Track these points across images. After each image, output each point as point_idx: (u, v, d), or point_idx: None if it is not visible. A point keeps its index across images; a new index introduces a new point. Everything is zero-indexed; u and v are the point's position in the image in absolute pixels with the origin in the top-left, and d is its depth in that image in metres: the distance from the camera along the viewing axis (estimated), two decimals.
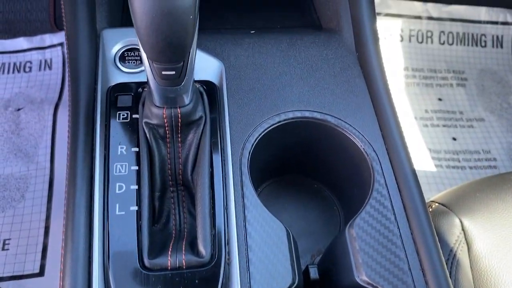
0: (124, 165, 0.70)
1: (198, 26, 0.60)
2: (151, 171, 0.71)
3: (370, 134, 0.77)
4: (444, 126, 1.82)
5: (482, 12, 2.00)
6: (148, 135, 0.72)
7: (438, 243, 0.69)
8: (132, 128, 0.74)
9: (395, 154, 0.74)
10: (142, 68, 0.82)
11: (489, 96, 1.91)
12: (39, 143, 1.65)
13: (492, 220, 0.92)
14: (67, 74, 0.81)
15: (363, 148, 0.76)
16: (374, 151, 0.75)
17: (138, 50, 0.83)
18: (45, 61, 1.87)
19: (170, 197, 0.73)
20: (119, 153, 0.71)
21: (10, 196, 1.53)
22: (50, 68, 1.86)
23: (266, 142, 0.78)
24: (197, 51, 0.71)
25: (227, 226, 0.67)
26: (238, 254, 0.66)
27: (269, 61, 0.86)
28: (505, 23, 2.01)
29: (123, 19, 0.96)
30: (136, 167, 0.70)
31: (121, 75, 0.81)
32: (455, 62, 1.97)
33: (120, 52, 0.83)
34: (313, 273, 0.74)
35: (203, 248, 0.65)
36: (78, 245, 0.64)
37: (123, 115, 0.75)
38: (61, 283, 0.63)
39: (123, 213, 0.67)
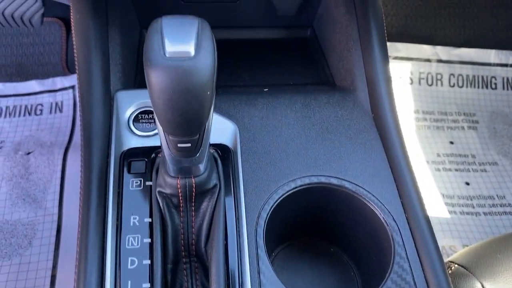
0: (136, 238, 0.68)
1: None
2: (164, 243, 0.69)
3: (389, 201, 0.75)
4: (456, 170, 1.80)
5: (491, 55, 2.00)
6: (161, 205, 0.70)
7: None
8: (145, 196, 0.72)
9: (416, 225, 0.72)
10: (156, 131, 0.81)
11: (501, 139, 1.89)
12: (48, 188, 1.64)
13: None
14: (78, 121, 0.80)
15: (383, 217, 0.74)
16: (394, 220, 0.73)
17: (152, 112, 0.83)
18: (56, 103, 1.88)
19: (182, 269, 0.71)
20: (131, 224, 0.69)
21: (17, 243, 1.51)
22: (61, 111, 1.87)
23: (282, 208, 0.76)
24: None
25: None
26: None
27: (283, 122, 0.85)
28: None
29: (136, 79, 0.96)
30: (149, 240, 0.68)
31: (134, 138, 0.80)
32: (465, 104, 1.96)
33: (134, 115, 0.83)
34: None
35: None
36: None
37: (136, 182, 0.74)
38: None
39: None
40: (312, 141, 0.83)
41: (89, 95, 0.81)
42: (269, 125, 0.84)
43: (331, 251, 0.86)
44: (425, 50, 1.98)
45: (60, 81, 1.92)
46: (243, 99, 0.88)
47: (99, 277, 0.65)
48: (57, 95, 1.90)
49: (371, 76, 0.88)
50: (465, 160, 1.83)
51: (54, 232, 1.54)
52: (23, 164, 1.68)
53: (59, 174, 1.67)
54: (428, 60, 1.97)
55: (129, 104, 0.83)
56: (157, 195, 0.70)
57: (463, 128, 1.91)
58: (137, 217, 0.70)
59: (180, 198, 0.69)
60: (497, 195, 1.74)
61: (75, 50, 0.86)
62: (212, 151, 0.78)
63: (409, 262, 0.69)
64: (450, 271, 0.97)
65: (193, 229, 0.71)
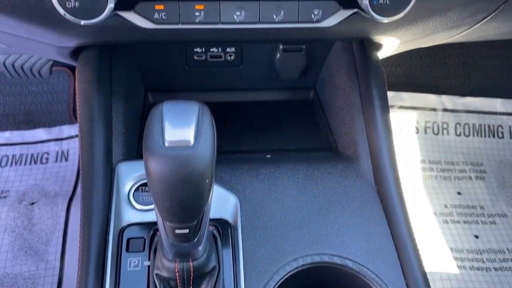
0: None
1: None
2: None
3: (394, 282, 0.73)
4: (465, 222, 1.76)
5: (497, 104, 2.00)
6: (158, 287, 0.69)
7: None
8: (143, 277, 0.71)
9: None
10: None
11: (510, 189, 1.85)
12: (51, 240, 1.63)
13: None
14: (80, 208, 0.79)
15: None
16: None
17: None
18: (62, 152, 1.89)
19: None
20: None
21: None
22: (66, 159, 1.87)
23: None
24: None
25: None
26: None
27: (285, 194, 0.84)
28: None
29: (140, 145, 0.96)
30: None
31: (134, 213, 0.79)
32: (472, 154, 1.94)
33: (135, 187, 0.82)
34: None
35: None
36: None
37: (134, 262, 0.73)
38: None
39: None
40: (314, 215, 0.81)
41: (90, 169, 0.81)
42: (271, 197, 0.83)
43: None
44: (430, 99, 1.98)
45: (67, 130, 1.93)
46: (245, 168, 0.87)
47: None
48: (63, 144, 1.91)
49: (374, 147, 0.88)
50: (473, 212, 1.79)
51: (55, 286, 1.52)
52: (26, 215, 1.68)
53: (62, 226, 1.66)
54: (434, 109, 1.97)
55: (130, 176, 0.83)
56: (155, 277, 0.69)
57: (470, 178, 1.88)
58: None
59: (178, 282, 0.68)
60: (507, 249, 1.70)
61: (78, 119, 0.87)
62: (211, 229, 0.77)
63: None
64: None
65: None
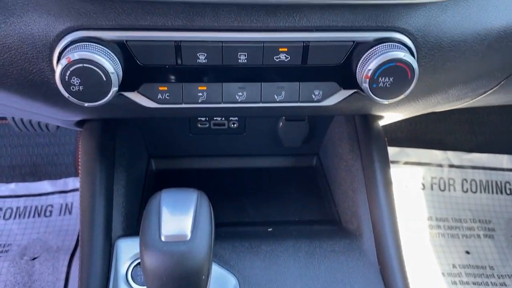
0: None
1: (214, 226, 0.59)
2: None
3: None
4: (474, 284, 1.71)
5: (504, 160, 1.98)
6: None
7: None
8: None
9: None
10: None
11: None
12: None
13: None
14: None
15: None
16: None
17: None
18: (66, 205, 1.89)
19: None
20: None
21: None
22: (70, 212, 1.87)
23: None
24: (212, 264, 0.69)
25: None
26: None
27: (287, 274, 0.82)
28: None
29: (139, 219, 0.96)
30: None
31: None
32: (480, 211, 1.91)
33: (133, 266, 0.81)
34: None
35: None
36: None
37: None
38: None
39: None
40: None
41: (89, 245, 0.80)
42: (271, 277, 0.82)
43: None
44: (436, 155, 1.97)
45: (72, 182, 1.94)
46: (245, 246, 0.86)
47: None
48: (68, 196, 1.91)
49: (377, 223, 0.86)
50: (483, 273, 1.74)
51: None
52: (27, 271, 1.66)
53: (62, 283, 1.63)
54: (440, 165, 1.96)
55: (128, 254, 0.82)
56: None
57: (479, 236, 1.84)
58: None
59: None
60: None
61: (80, 191, 0.87)
62: None
63: None
64: None
65: None
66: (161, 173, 1.09)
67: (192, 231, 0.55)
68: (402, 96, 0.75)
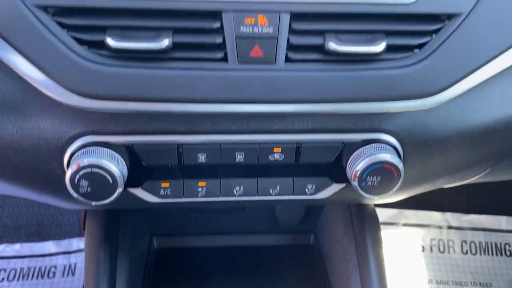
0: None
1: None
2: None
3: None
4: None
5: (503, 221, 2.00)
6: None
7: None
8: None
9: None
10: None
11: None
12: None
13: None
14: None
15: None
16: None
17: None
18: (69, 266, 1.91)
19: None
20: None
21: None
22: (73, 274, 1.89)
23: None
24: None
25: None
26: None
27: None
28: None
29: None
30: None
31: None
32: (481, 273, 1.91)
33: None
34: None
35: None
36: None
37: None
38: None
39: None
40: None
41: None
42: None
43: None
44: (435, 216, 1.99)
45: (76, 243, 1.97)
46: None
47: None
48: (72, 257, 1.93)
49: None
50: None
51: None
52: None
53: None
54: (439, 227, 1.98)
55: None
56: None
57: None
58: None
59: None
60: None
61: (83, 277, 0.90)
62: None
63: None
64: None
65: None
66: (163, 251, 1.13)
67: None
68: (390, 193, 0.79)
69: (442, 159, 0.84)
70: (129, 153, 0.76)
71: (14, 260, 1.92)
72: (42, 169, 0.78)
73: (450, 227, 1.98)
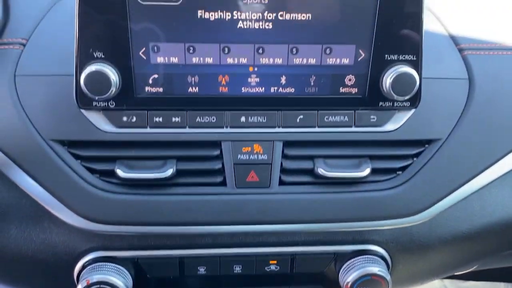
0: None
1: None
2: None
3: None
4: None
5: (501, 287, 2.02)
6: None
7: None
8: None
9: None
10: None
11: None
12: None
13: None
14: None
15: None
16: None
17: None
18: None
19: None
20: None
21: None
22: None
23: None
24: None
25: None
26: None
27: None
28: None
29: None
30: None
31: None
32: None
33: None
34: None
35: None
36: None
37: None
38: None
39: None
40: None
41: None
42: None
43: None
44: (434, 283, 2.01)
45: None
46: None
47: None
48: None
49: None
50: None
51: None
52: None
53: None
54: None
55: None
56: None
57: None
58: None
59: None
60: None
61: None
62: None
63: None
64: None
65: None
66: None
67: None
68: None
69: (429, 263, 0.89)
70: (134, 266, 0.81)
71: None
72: (54, 278, 0.83)
73: None
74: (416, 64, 0.71)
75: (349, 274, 0.81)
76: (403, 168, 0.79)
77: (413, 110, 0.76)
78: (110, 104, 0.70)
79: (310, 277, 0.87)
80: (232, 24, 0.68)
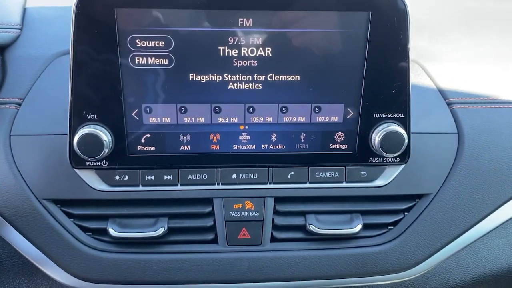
0: None
1: None
2: None
3: None
4: None
5: None
6: None
7: None
8: None
9: None
10: None
11: None
12: None
13: None
14: None
15: None
16: None
17: None
18: None
19: None
20: None
21: None
22: None
23: None
24: None
25: None
26: None
27: None
28: None
29: None
30: None
31: None
32: None
33: None
34: None
35: None
36: None
37: None
38: None
39: None
40: None
41: None
42: None
43: None
44: None
45: None
46: None
47: None
48: None
49: None
50: None
51: None
52: None
53: None
54: None
55: None
56: None
57: None
58: None
59: None
60: None
61: None
62: None
63: None
64: None
65: None
66: None
67: None
68: None
69: None
70: None
71: None
72: None
73: None
74: (405, 122, 0.72)
75: None
76: (394, 223, 0.79)
77: (403, 166, 0.77)
78: (103, 163, 0.71)
79: None
80: (223, 86, 0.69)
